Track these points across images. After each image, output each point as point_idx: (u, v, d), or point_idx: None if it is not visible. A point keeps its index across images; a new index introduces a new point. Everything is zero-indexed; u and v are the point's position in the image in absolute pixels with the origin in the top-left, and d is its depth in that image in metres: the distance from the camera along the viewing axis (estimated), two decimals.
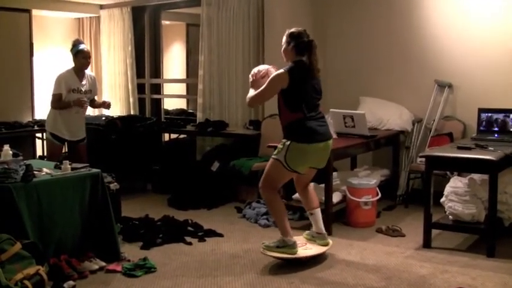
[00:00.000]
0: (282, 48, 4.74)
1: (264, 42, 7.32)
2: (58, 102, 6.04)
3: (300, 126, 4.56)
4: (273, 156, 4.68)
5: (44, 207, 4.42)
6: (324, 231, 5.00)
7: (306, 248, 4.89)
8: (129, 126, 7.66)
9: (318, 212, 5.01)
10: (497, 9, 6.41)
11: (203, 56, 7.93)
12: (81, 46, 6.14)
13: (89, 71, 6.32)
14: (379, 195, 5.99)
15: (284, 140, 4.61)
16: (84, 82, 6.15)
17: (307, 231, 5.11)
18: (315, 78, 4.67)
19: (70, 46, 6.19)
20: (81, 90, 6.11)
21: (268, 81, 4.62)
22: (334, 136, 5.95)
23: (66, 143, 6.37)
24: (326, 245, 4.96)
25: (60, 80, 6.05)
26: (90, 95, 6.23)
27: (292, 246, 4.72)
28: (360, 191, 5.87)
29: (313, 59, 4.64)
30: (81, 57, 6.09)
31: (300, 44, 4.64)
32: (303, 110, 4.56)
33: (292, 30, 4.71)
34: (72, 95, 6.05)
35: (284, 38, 4.72)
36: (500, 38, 6.39)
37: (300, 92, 4.56)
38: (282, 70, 4.58)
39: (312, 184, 5.11)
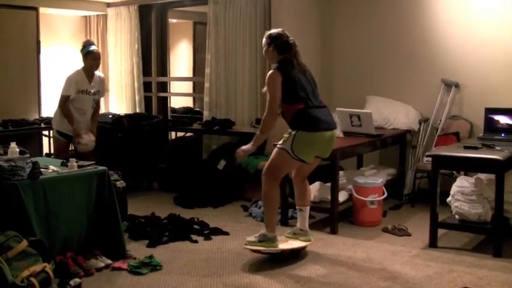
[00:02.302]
0: (263, 51, 4.81)
1: None
2: (65, 104, 6.04)
3: (303, 116, 4.59)
4: (278, 145, 4.70)
5: (50, 204, 4.44)
6: (307, 228, 5.06)
7: (288, 244, 4.93)
8: (135, 124, 7.66)
9: (308, 209, 5.09)
10: (504, 8, 6.39)
11: (210, 54, 7.92)
12: (92, 47, 6.14)
13: (98, 72, 6.31)
14: (386, 194, 5.98)
15: (290, 130, 4.64)
16: (93, 83, 6.16)
17: (288, 231, 5.14)
18: (304, 72, 4.71)
19: (80, 46, 6.20)
20: (90, 91, 6.12)
21: (267, 88, 4.66)
22: (341, 135, 5.96)
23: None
24: (308, 241, 5.00)
25: (70, 81, 6.05)
26: (97, 96, 6.25)
27: (273, 240, 4.77)
28: (366, 190, 5.86)
29: (297, 57, 4.69)
30: (91, 59, 6.09)
31: (280, 44, 4.69)
32: (302, 99, 4.59)
33: (271, 31, 4.79)
34: (81, 96, 6.06)
35: (264, 40, 4.79)
36: (508, 38, 6.37)
37: (294, 83, 4.59)
38: (270, 71, 4.65)
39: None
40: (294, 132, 4.59)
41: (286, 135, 4.65)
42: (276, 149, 4.73)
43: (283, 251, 4.82)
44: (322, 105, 4.74)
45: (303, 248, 4.98)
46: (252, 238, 4.85)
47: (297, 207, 5.11)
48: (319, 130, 4.61)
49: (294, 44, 4.72)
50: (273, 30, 4.79)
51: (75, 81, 6.03)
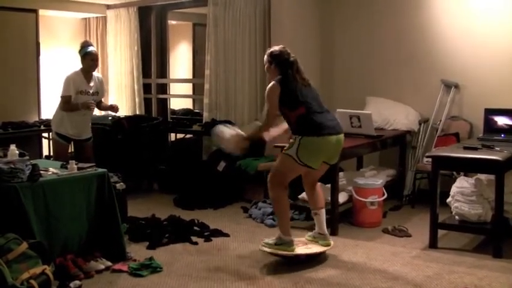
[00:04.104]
0: (265, 67, 4.85)
1: (270, 42, 7.30)
2: (68, 104, 6.04)
3: (307, 121, 4.59)
4: (283, 151, 4.69)
5: (50, 206, 4.44)
6: (326, 232, 5.01)
7: (306, 248, 4.91)
8: (135, 126, 7.66)
9: (323, 212, 5.03)
10: (504, 9, 6.39)
11: (209, 55, 7.92)
12: (90, 48, 6.13)
13: (96, 72, 6.31)
14: (386, 195, 5.98)
15: (295, 136, 4.63)
16: (91, 84, 6.15)
17: (309, 233, 5.11)
18: (308, 86, 4.72)
19: (78, 47, 6.19)
20: (89, 92, 6.12)
21: (266, 99, 4.71)
22: None
23: (72, 143, 6.39)
24: (328, 245, 4.96)
25: (69, 82, 6.04)
26: (96, 96, 6.24)
27: (289, 244, 4.76)
28: (366, 191, 5.86)
29: (299, 73, 4.70)
30: (89, 59, 6.08)
31: (281, 62, 4.71)
32: (304, 104, 4.60)
33: (273, 49, 4.82)
34: (79, 97, 6.06)
35: (265, 58, 4.82)
36: (508, 38, 6.37)
37: (295, 90, 4.61)
38: (272, 83, 4.67)
39: (319, 184, 5.11)
40: (299, 138, 4.58)
41: (291, 141, 4.65)
42: (280, 155, 4.73)
43: (299, 256, 4.80)
44: (326, 111, 4.74)
45: (321, 253, 4.93)
46: (269, 240, 4.83)
47: (312, 212, 5.09)
48: (324, 135, 4.61)
49: (296, 61, 4.73)
50: (275, 48, 4.81)
51: (74, 82, 6.03)
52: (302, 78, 4.70)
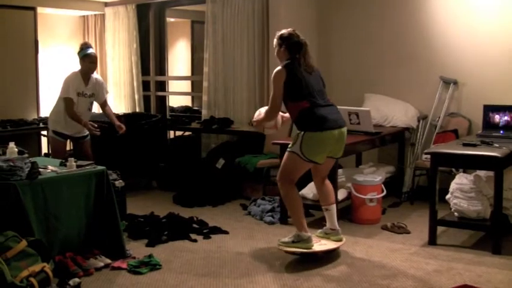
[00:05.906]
0: (275, 52, 4.82)
1: (268, 39, 7.30)
2: (71, 108, 5.99)
3: (309, 115, 4.59)
4: (288, 149, 4.71)
5: (49, 204, 4.44)
6: (337, 227, 5.01)
7: (320, 244, 4.89)
8: (134, 123, 7.65)
9: (334, 207, 5.04)
10: (503, 5, 6.39)
11: (208, 53, 7.92)
12: (89, 50, 6.10)
13: (96, 74, 6.28)
14: (385, 192, 5.98)
15: (298, 132, 4.64)
16: (89, 86, 6.12)
17: (319, 230, 5.10)
18: (312, 74, 4.71)
19: (78, 49, 6.16)
20: (86, 93, 6.09)
21: (272, 83, 4.70)
22: None
23: (70, 140, 6.37)
24: (340, 240, 4.97)
25: (68, 83, 6.01)
26: (93, 98, 6.23)
27: (307, 240, 4.75)
28: (365, 188, 5.86)
29: (306, 57, 4.69)
30: (88, 62, 6.05)
31: (291, 45, 4.69)
32: (308, 98, 4.60)
33: (282, 32, 4.79)
34: (77, 99, 6.04)
35: (275, 41, 4.80)
36: (506, 35, 6.37)
37: (300, 81, 4.59)
38: (278, 67, 4.66)
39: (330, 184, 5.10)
40: (301, 134, 4.59)
41: (294, 138, 4.66)
42: (286, 153, 4.73)
43: (318, 253, 4.80)
44: (329, 103, 4.74)
45: (336, 249, 4.95)
46: (286, 239, 4.82)
47: (322, 207, 5.08)
48: (326, 129, 4.60)
49: (305, 43, 4.72)
50: (284, 31, 4.78)
51: (72, 83, 6.01)
52: (307, 64, 4.68)
